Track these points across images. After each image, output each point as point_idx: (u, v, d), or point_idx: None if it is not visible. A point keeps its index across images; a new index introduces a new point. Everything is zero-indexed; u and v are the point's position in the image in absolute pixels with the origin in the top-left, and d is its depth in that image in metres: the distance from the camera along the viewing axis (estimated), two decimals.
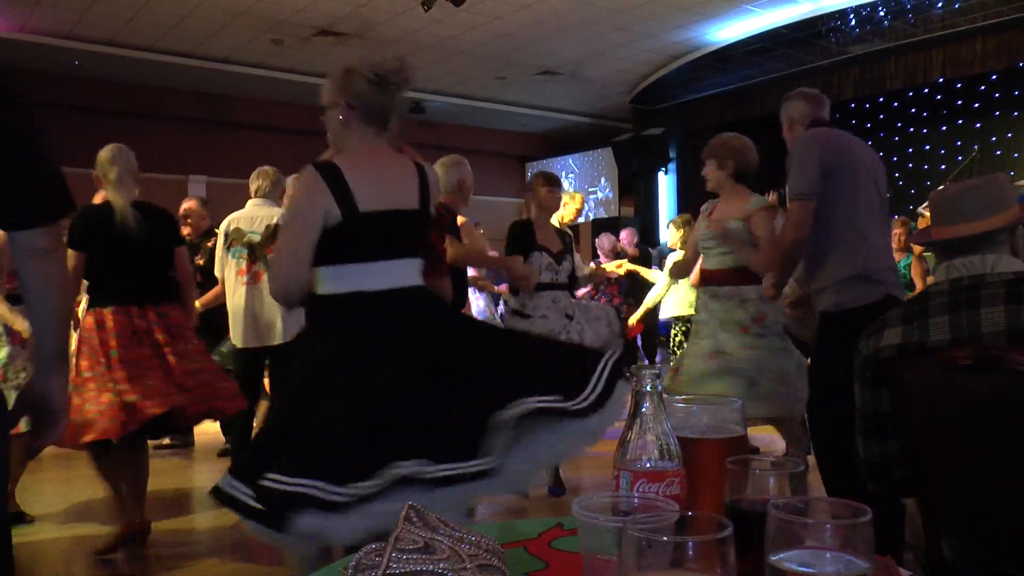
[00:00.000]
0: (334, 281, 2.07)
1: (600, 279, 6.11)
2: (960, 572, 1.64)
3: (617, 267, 6.64)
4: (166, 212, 3.57)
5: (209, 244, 5.04)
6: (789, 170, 2.87)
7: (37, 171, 1.43)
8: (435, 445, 1.77)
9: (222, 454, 5.37)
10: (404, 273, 2.13)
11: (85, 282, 3.45)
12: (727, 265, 3.48)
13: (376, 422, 1.84)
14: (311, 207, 2.04)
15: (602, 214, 12.97)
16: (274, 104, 11.28)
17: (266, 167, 4.50)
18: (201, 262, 4.99)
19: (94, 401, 3.14)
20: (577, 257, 4.47)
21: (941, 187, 2.30)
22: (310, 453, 1.79)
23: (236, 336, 4.27)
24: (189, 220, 5.23)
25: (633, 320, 6.28)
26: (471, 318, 2.50)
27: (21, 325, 3.67)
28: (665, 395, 0.91)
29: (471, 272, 5.08)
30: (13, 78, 1.42)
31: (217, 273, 4.40)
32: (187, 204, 5.32)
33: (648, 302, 6.31)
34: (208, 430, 5.38)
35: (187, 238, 5.07)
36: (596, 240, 8.19)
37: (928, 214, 1.95)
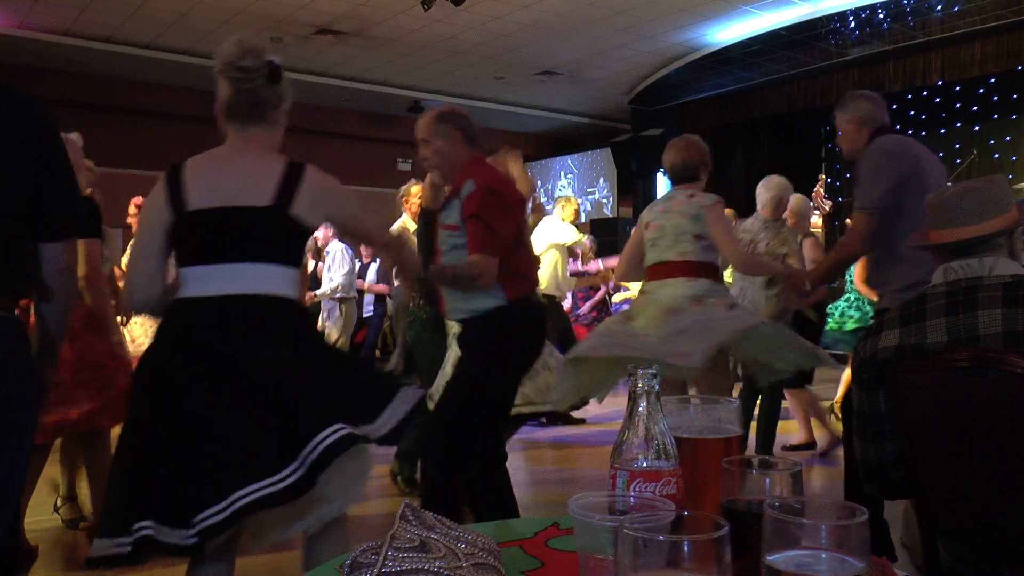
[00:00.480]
0: (182, 286, 1.93)
1: None
2: (956, 574, 1.64)
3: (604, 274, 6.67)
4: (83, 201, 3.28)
5: None
6: (858, 177, 2.86)
7: (64, 188, 1.67)
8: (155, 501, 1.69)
9: None
10: (236, 279, 1.86)
11: None
12: None
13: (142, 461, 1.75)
14: (148, 209, 1.98)
15: (600, 215, 12.97)
16: None
17: None
18: None
19: None
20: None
21: (939, 189, 2.30)
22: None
23: None
24: None
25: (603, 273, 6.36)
26: (309, 338, 2.01)
27: None
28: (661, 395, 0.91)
29: None
30: (45, 104, 1.64)
31: None
32: None
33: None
34: None
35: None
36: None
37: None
